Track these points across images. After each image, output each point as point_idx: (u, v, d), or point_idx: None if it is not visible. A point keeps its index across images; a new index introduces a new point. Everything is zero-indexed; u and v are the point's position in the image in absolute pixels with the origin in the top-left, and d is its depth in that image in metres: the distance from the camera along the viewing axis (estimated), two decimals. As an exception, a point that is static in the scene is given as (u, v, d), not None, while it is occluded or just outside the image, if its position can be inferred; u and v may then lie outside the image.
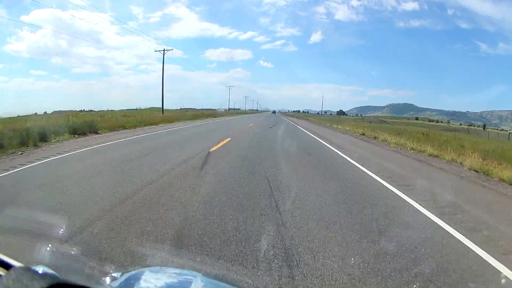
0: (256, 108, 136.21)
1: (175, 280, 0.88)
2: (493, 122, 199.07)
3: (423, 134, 21.08)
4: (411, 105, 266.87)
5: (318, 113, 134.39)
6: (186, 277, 0.92)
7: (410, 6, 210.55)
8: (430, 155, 8.36)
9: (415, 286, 1.95)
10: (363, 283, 1.98)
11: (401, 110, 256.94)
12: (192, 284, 0.79)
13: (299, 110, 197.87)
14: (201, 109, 65.35)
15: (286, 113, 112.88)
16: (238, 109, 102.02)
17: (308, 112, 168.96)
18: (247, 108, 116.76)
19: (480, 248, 2.56)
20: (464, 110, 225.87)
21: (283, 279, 1.99)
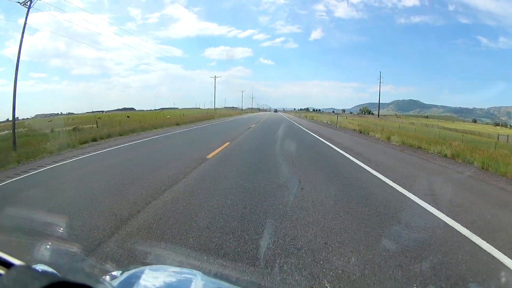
0: (251, 106, 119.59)
1: (175, 279, 0.88)
2: (501, 118, 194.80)
3: None
4: (417, 101, 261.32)
5: (333, 111, 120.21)
6: (186, 275, 0.91)
7: (411, 2, 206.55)
8: None
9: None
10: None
11: (406, 106, 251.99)
12: (192, 283, 0.79)
13: (307, 108, 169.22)
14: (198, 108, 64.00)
15: (292, 112, 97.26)
16: (236, 107, 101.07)
17: (320, 110, 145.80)
18: (245, 106, 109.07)
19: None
20: (470, 107, 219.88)
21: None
